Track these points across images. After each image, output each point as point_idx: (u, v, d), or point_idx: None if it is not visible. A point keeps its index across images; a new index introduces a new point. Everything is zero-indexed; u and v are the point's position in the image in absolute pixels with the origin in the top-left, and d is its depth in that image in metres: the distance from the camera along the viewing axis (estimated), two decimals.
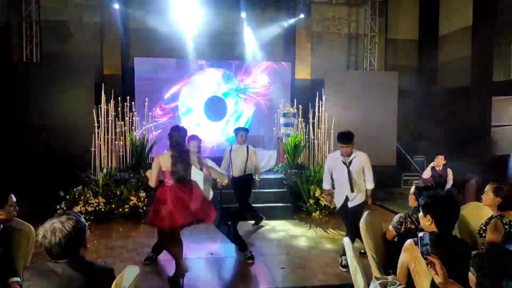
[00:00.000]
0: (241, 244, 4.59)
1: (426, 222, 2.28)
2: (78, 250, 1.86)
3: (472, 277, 1.57)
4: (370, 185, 4.42)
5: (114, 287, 1.78)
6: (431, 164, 6.83)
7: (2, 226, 2.68)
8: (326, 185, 4.72)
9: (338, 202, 4.50)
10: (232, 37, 9.84)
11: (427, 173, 6.80)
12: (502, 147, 8.52)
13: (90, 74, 8.26)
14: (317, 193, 6.82)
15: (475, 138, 8.59)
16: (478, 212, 3.33)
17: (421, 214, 2.32)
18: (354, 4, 10.41)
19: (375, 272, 2.83)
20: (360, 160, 4.33)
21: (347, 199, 4.36)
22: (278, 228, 6.04)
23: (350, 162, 4.30)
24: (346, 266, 4.16)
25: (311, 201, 6.80)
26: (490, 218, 2.86)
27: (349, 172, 4.29)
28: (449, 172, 6.72)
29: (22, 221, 2.97)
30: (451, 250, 2.16)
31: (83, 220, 1.90)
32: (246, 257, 4.56)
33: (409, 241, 2.27)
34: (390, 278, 2.61)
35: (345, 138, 4.23)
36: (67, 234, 1.79)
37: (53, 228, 1.79)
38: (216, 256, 4.83)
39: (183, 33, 9.43)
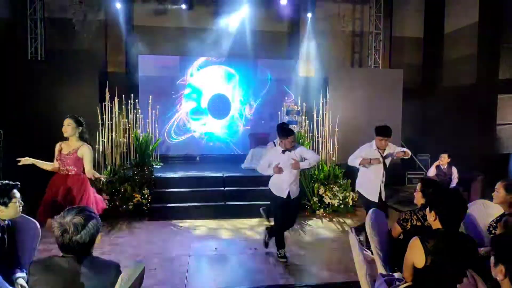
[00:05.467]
0: None
1: (431, 218, 2.27)
2: (91, 247, 1.86)
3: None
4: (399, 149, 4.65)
5: (120, 281, 1.77)
6: (436, 163, 6.80)
7: (7, 221, 2.69)
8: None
9: (370, 194, 4.59)
10: (235, 34, 9.81)
11: (431, 172, 6.77)
12: (508, 145, 8.47)
13: (94, 72, 8.24)
14: (321, 191, 6.82)
15: (480, 136, 8.54)
16: (485, 210, 3.31)
17: (427, 209, 2.31)
18: (359, 2, 10.36)
19: (381, 269, 2.82)
20: (390, 150, 4.60)
21: (380, 192, 4.55)
22: None
23: (386, 156, 4.57)
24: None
25: (315, 199, 6.79)
26: (502, 215, 2.83)
27: (384, 164, 4.54)
28: (454, 170, 6.68)
29: (27, 216, 2.98)
30: (458, 247, 2.14)
31: (99, 217, 1.90)
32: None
33: (415, 238, 2.25)
34: (396, 275, 2.60)
35: (385, 131, 4.47)
36: (89, 231, 1.79)
37: (75, 224, 1.77)
38: (220, 252, 4.83)
39: (188, 30, 9.41)
